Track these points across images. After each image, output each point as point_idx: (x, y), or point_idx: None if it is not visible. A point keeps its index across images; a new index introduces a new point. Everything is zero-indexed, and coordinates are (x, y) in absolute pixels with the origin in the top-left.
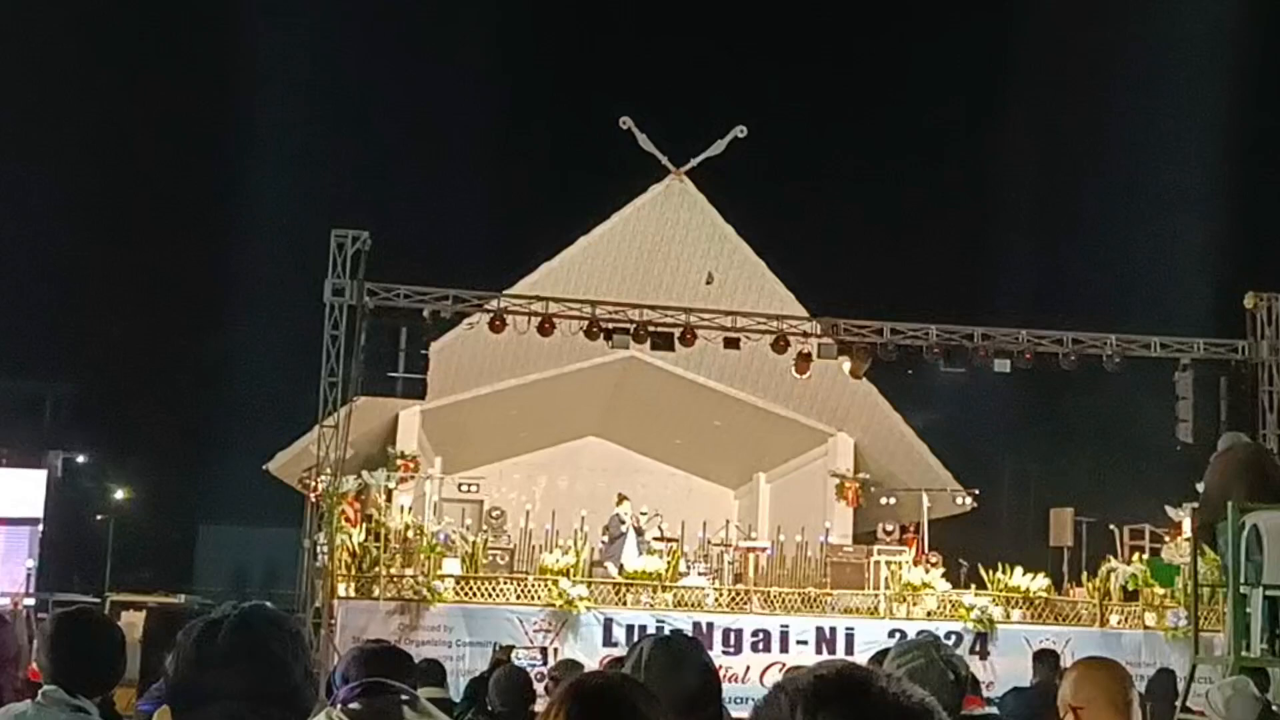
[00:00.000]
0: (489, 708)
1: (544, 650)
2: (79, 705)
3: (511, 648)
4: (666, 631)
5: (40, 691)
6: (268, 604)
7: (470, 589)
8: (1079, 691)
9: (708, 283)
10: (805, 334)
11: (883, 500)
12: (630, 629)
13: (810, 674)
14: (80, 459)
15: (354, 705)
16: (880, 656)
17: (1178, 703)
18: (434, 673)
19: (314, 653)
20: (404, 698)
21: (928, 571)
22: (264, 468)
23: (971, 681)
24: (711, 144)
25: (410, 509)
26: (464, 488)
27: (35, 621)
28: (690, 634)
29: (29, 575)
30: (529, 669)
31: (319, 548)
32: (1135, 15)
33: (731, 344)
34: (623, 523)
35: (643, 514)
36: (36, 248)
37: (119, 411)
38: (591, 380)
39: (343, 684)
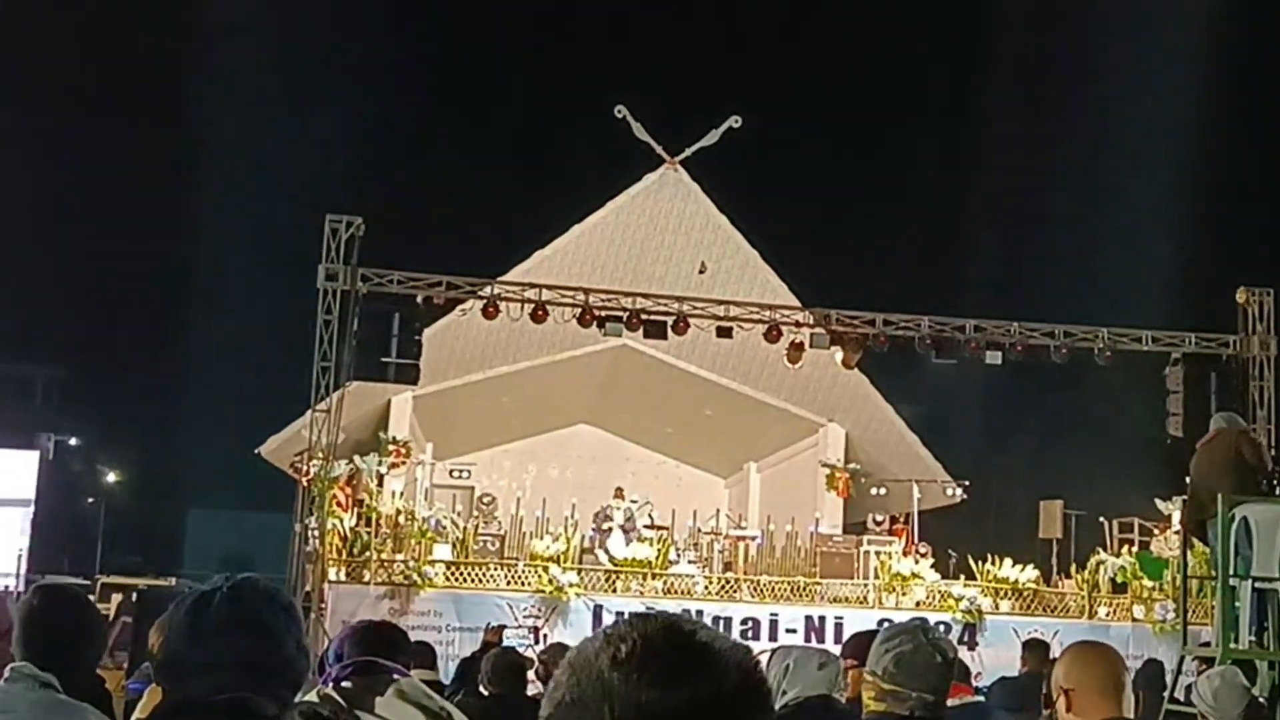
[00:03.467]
0: (480, 689)
1: (535, 630)
2: (47, 681)
3: (503, 628)
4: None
5: (9, 668)
6: (259, 577)
7: (460, 575)
8: (1070, 674)
9: (701, 272)
10: (797, 324)
11: (873, 491)
12: (620, 616)
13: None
14: (72, 441)
15: (345, 683)
16: (866, 637)
17: (1165, 694)
18: (425, 655)
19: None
20: (395, 676)
21: (917, 562)
22: (255, 452)
23: (960, 670)
24: (706, 134)
25: (401, 494)
26: (455, 474)
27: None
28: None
29: (20, 557)
30: (520, 649)
31: (310, 532)
32: (1128, 4)
33: (724, 333)
34: (608, 519)
35: (633, 502)
36: (29, 231)
37: (111, 395)
38: (583, 368)
39: (336, 662)
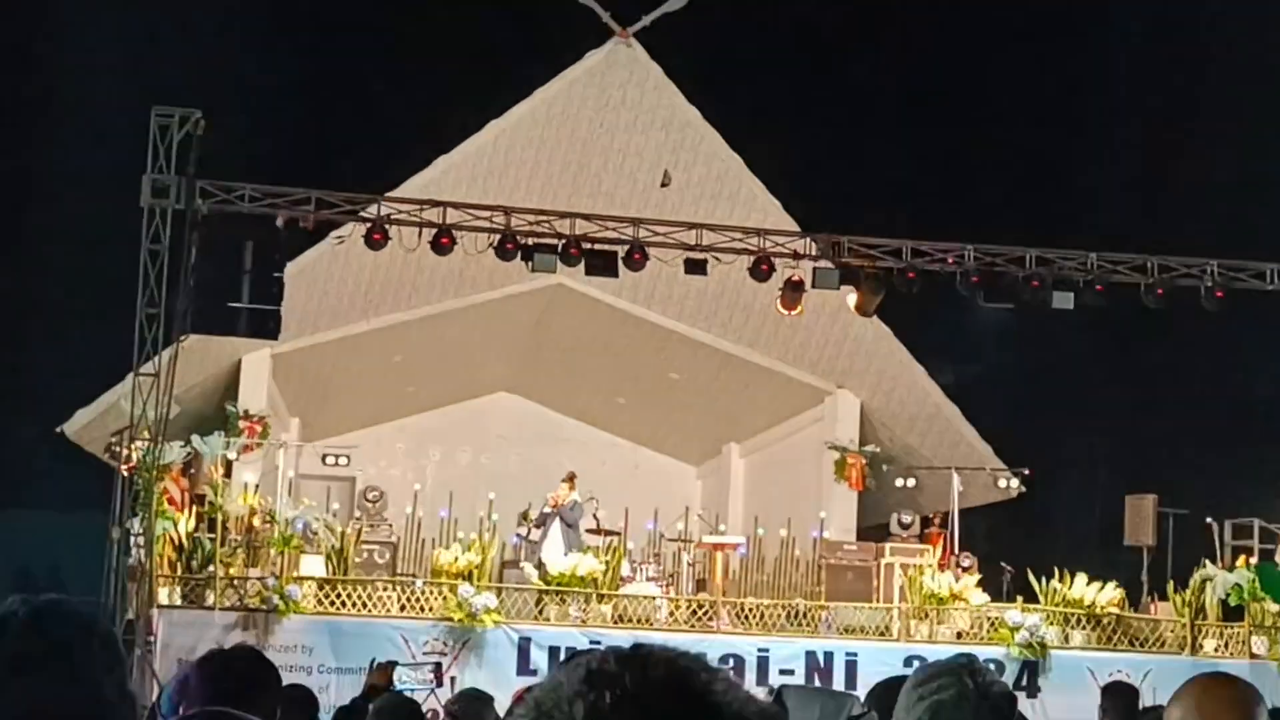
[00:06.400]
0: None
1: (439, 671)
2: None
3: (393, 665)
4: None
5: None
6: (66, 599)
7: (338, 596)
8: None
9: (663, 184)
10: (796, 255)
11: (898, 482)
12: (554, 652)
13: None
14: None
15: None
16: (892, 684)
17: None
18: (302, 706)
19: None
20: None
21: (958, 579)
22: (58, 431)
23: None
24: None
25: (257, 488)
26: (330, 460)
27: None
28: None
29: None
30: (416, 695)
31: (132, 539)
32: None
33: (695, 268)
34: (539, 523)
35: (576, 500)
36: None
37: None
38: (504, 316)
39: (172, 714)
